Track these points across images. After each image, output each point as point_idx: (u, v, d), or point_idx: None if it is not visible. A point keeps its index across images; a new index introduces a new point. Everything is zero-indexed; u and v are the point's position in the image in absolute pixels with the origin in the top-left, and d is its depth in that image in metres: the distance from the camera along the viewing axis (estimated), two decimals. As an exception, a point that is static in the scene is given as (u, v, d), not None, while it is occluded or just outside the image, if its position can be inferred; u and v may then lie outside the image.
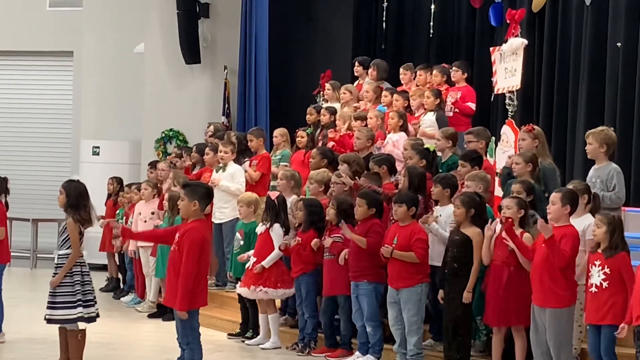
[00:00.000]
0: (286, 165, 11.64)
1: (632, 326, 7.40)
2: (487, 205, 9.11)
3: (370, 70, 12.82)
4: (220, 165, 11.57)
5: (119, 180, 13.79)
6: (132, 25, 16.32)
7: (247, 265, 10.06)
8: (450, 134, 10.49)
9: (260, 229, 10.07)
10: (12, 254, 11.07)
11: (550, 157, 9.76)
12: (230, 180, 11.41)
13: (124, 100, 16.48)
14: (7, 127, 18.63)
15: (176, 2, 14.97)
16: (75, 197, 8.43)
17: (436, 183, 9.26)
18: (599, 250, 7.75)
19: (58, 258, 8.53)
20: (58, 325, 8.54)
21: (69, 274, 8.38)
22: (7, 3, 18.08)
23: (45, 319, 8.51)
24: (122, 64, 16.43)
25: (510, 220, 8.14)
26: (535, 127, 9.80)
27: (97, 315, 8.64)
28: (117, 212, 13.16)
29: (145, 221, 11.85)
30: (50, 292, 8.55)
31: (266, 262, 9.67)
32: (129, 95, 16.34)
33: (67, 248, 8.46)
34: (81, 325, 8.48)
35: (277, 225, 9.82)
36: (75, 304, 8.38)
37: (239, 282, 10.30)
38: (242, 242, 10.45)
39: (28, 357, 9.47)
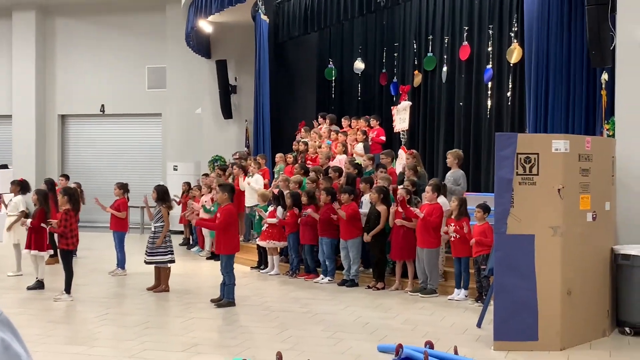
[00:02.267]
0: (282, 174, 13.92)
1: (473, 257, 9.71)
2: (390, 193, 11.23)
3: (326, 120, 15.73)
4: (250, 174, 14.23)
5: (187, 184, 17.02)
6: (194, 97, 20.29)
7: (262, 228, 12.57)
8: (370, 158, 12.97)
9: (270, 208, 12.57)
10: (130, 226, 14.09)
11: (422, 166, 12.40)
12: (255, 183, 14.00)
13: (190, 139, 20.34)
14: (126, 155, 22.11)
15: (218, 84, 18.61)
16: (162, 194, 11.01)
17: (362, 182, 11.91)
18: (453, 217, 10.11)
19: (154, 227, 10.81)
20: (154, 265, 10.73)
21: (162, 241, 10.69)
22: (124, 85, 21.70)
23: (145, 262, 10.82)
24: (189, 120, 20.51)
25: (402, 198, 10.45)
26: (414, 151, 12.57)
27: (172, 260, 10.78)
28: (188, 202, 14.97)
29: (202, 206, 13.91)
30: (149, 246, 10.76)
31: (272, 221, 12.22)
32: (194, 136, 20.18)
33: (161, 222, 10.72)
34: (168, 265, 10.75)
35: (279, 207, 12.36)
36: (167, 253, 10.74)
37: (258, 238, 12.81)
38: (258, 216, 12.97)
39: (140, 283, 11.28)
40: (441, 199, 10.62)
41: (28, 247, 11.10)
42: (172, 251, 10.89)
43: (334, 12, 16.24)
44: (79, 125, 22.83)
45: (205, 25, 17.63)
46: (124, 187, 12.88)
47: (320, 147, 14.69)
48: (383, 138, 14.67)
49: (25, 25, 22.39)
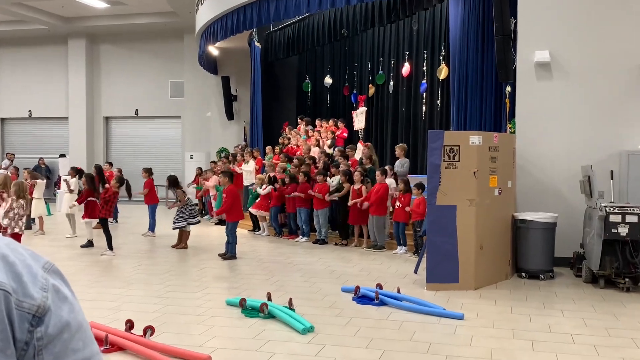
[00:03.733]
0: (270, 160, 13.96)
1: (411, 222, 9.98)
2: (352, 174, 11.04)
3: (303, 122, 15.64)
4: (246, 161, 14.34)
5: (200, 169, 16.55)
6: (205, 104, 20.09)
7: (255, 201, 12.56)
8: (341, 152, 12.48)
9: (260, 188, 12.51)
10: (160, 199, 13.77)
11: (376, 155, 12.24)
12: (248, 167, 14.07)
13: (203, 134, 20.27)
14: (152, 149, 21.70)
15: (223, 94, 18.55)
16: (172, 181, 11.42)
17: (332, 167, 11.83)
18: (399, 192, 10.31)
19: (178, 206, 11.10)
20: (177, 229, 10.90)
21: (180, 209, 10.87)
22: (153, 95, 21.42)
23: (173, 227, 11.01)
24: (202, 121, 20.35)
25: (361, 187, 10.64)
26: (369, 144, 12.57)
27: (199, 221, 11.03)
28: (199, 183, 15.61)
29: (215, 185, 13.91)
30: (175, 214, 11.03)
31: (263, 192, 12.24)
32: (205, 133, 20.11)
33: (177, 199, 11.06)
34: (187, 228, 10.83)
35: (269, 186, 12.38)
36: (184, 221, 10.84)
37: (251, 208, 12.65)
38: (252, 193, 13.04)
39: (166, 242, 11.39)
40: (388, 180, 10.64)
41: (84, 216, 10.98)
42: (195, 215, 10.85)
43: (310, 40, 16.29)
44: (118, 125, 22.57)
45: (213, 50, 17.51)
46: (148, 171, 12.81)
47: (298, 143, 14.57)
48: (346, 135, 14.73)
49: (77, 49, 22.17)
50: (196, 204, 10.88)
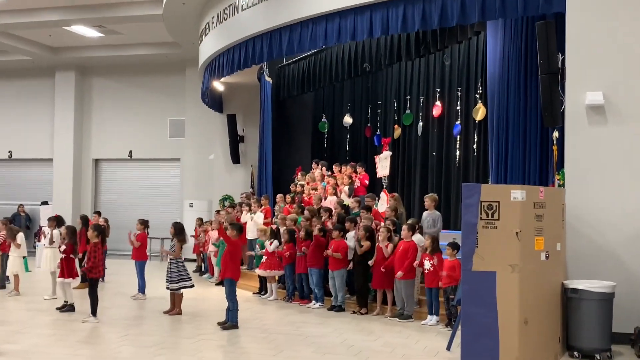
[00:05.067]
0: (281, 212, 13.58)
1: (442, 288, 9.69)
2: (374, 231, 11.01)
3: (318, 166, 15.60)
4: (253, 212, 14.33)
5: (201, 220, 17.01)
6: (208, 145, 20.32)
7: (262, 260, 12.38)
8: (358, 201, 12.70)
9: (267, 242, 12.43)
10: (151, 255, 13.91)
11: (403, 207, 12.41)
12: (257, 219, 14.02)
13: (204, 180, 20.40)
14: (148, 194, 21.97)
15: (228, 134, 18.79)
16: (178, 230, 10.84)
17: (347, 221, 11.66)
18: (427, 252, 10.08)
19: (170, 259, 10.65)
20: (170, 291, 10.62)
21: (175, 266, 10.52)
22: (148, 134, 21.85)
23: (166, 288, 10.67)
24: (204, 164, 20.54)
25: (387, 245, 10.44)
26: (395, 194, 12.51)
27: (192, 286, 10.64)
28: (199, 236, 16.00)
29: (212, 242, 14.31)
30: (168, 274, 10.59)
31: (270, 248, 12.11)
32: (207, 178, 20.22)
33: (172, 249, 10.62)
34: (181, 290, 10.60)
35: (275, 241, 12.33)
36: (181, 280, 10.58)
37: (258, 269, 12.52)
38: (259, 249, 12.78)
39: (158, 307, 11.20)
40: (416, 237, 10.51)
41: (61, 275, 11.01)
42: (190, 278, 10.74)
43: (327, 75, 16.40)
44: (110, 168, 22.84)
45: (218, 85, 17.73)
46: (144, 223, 12.81)
47: (315, 189, 14.49)
48: (367, 182, 14.67)
49: (65, 83, 22.61)
50: (183, 265, 10.71)
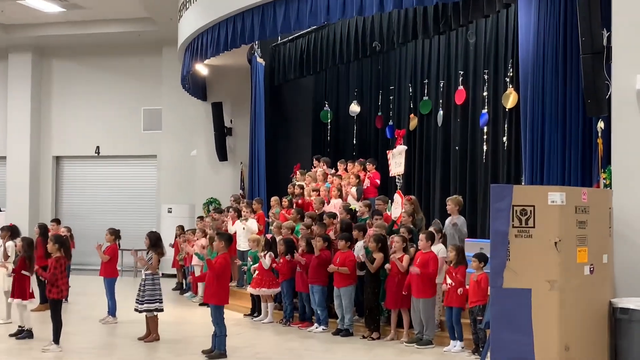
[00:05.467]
0: (277, 219, 13.75)
1: (468, 308, 9.68)
2: (387, 240, 11.00)
3: (320, 163, 15.76)
4: (244, 218, 14.10)
5: (181, 227, 17.04)
6: (189, 139, 20.53)
7: (254, 276, 12.38)
8: (367, 205, 12.82)
9: (261, 254, 12.41)
10: (122, 270, 14.22)
11: (421, 212, 12.31)
12: (249, 227, 13.84)
13: (185, 181, 20.56)
14: (119, 197, 22.28)
15: (213, 127, 18.77)
16: (154, 240, 10.89)
17: (355, 229, 11.73)
18: (451, 265, 10.01)
19: (145, 275, 10.72)
20: (144, 313, 10.56)
21: (150, 283, 10.55)
22: (119, 127, 22.05)
23: (135, 309, 10.64)
24: (184, 161, 20.75)
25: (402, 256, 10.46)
26: (412, 197, 12.40)
27: (161, 310, 10.58)
28: (179, 247, 15.78)
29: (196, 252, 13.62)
30: (139, 293, 10.61)
31: (266, 264, 12.11)
32: (188, 178, 20.37)
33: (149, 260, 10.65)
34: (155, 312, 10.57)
35: (270, 253, 12.31)
36: (154, 301, 10.58)
37: (249, 286, 12.55)
38: (251, 262, 12.79)
39: (131, 332, 11.10)
40: (437, 247, 10.52)
41: (12, 295, 11.04)
42: (161, 299, 10.75)
43: (329, 56, 16.46)
44: (73, 167, 22.98)
45: (201, 68, 17.73)
46: (115, 233, 12.79)
47: (317, 191, 14.51)
48: (378, 182, 14.70)
49: (21, 67, 22.72)
50: (159, 282, 10.75)
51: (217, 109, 18.81)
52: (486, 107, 14.94)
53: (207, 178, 19.56)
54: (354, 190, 14.15)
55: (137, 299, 10.63)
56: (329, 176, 15.12)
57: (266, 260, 12.21)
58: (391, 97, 17.54)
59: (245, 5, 13.57)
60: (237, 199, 16.28)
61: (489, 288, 8.17)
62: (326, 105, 18.72)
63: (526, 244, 7.29)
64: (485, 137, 14.99)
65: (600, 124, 9.99)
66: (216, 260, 9.63)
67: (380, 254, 10.88)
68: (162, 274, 11.14)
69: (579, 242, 7.54)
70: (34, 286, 11.58)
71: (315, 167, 15.95)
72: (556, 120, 11.33)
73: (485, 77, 15.06)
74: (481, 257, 9.71)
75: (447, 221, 11.29)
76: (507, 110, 14.29)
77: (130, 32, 20.87)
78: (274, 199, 15.13)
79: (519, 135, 13.17)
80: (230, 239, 10.12)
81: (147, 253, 10.84)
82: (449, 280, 9.94)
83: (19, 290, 10.95)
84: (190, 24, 15.89)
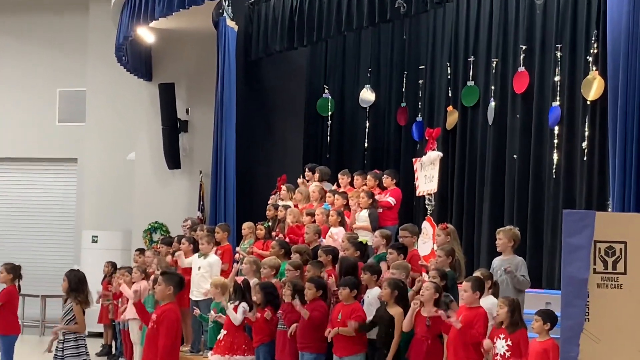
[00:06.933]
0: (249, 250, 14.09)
1: None
2: (408, 289, 11.05)
3: (316, 175, 15.63)
4: (202, 253, 13.95)
5: (113, 264, 16.90)
6: (125, 137, 20.55)
7: (218, 337, 12.17)
8: (386, 236, 12.72)
9: (229, 306, 12.13)
10: (24, 324, 14.18)
11: (460, 248, 12.06)
12: (209, 268, 13.76)
13: (117, 197, 20.58)
14: (21, 218, 22.39)
15: (161, 118, 18.81)
16: (76, 283, 10.84)
17: (365, 270, 11.52)
18: (503, 327, 9.58)
19: (63, 334, 10.83)
20: None
21: (73, 344, 10.75)
22: (22, 117, 22.18)
23: None
24: (117, 169, 20.70)
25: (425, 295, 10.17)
26: (448, 225, 12.23)
27: None
28: (110, 291, 15.88)
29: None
30: (56, 354, 10.84)
31: (237, 319, 11.95)
32: (122, 194, 20.40)
33: (73, 322, 10.80)
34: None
35: (243, 304, 12.04)
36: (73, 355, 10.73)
37: (211, 351, 12.32)
38: (215, 318, 12.56)
39: None
40: (487, 300, 10.35)
41: None
42: (82, 354, 10.93)
43: (332, 20, 16.45)
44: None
45: (146, 33, 17.77)
46: (14, 271, 12.78)
47: (311, 214, 14.49)
48: (392, 200, 14.61)
49: None
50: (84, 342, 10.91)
51: (167, 93, 18.85)
52: (558, 98, 14.98)
53: (150, 194, 19.57)
54: (364, 214, 14.14)
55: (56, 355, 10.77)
56: (328, 194, 15.08)
57: (237, 315, 12.10)
58: (420, 82, 17.71)
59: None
60: (193, 224, 16.22)
61: (558, 360, 8.21)
62: (326, 91, 18.93)
63: (614, 297, 7.35)
64: (556, 141, 14.99)
65: None
66: (159, 312, 9.68)
67: (399, 308, 10.75)
68: (88, 332, 11.00)
69: (690, 296, 7.60)
70: None
71: (308, 181, 15.98)
72: (660, 120, 11.38)
73: (558, 55, 15.08)
74: (547, 317, 9.55)
75: (497, 263, 11.22)
76: (588, 103, 14.34)
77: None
78: (247, 226, 15.05)
79: (605, 140, 13.14)
80: (181, 283, 10.24)
81: (65, 302, 10.91)
82: (499, 347, 9.64)
83: None
84: (131, -32, 16.04)
